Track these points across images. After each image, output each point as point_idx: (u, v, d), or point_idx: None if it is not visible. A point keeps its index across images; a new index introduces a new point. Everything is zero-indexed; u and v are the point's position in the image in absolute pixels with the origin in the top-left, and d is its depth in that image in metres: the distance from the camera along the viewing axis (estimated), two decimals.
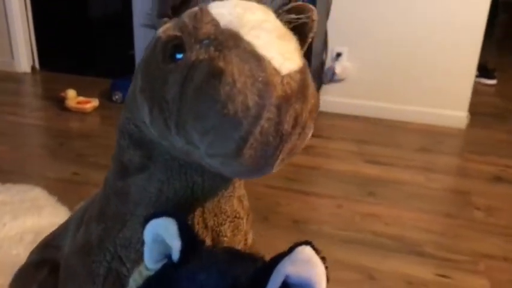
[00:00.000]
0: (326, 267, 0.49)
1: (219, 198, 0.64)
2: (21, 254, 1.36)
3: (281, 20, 0.56)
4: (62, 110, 2.58)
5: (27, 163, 2.02)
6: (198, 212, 0.64)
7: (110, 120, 2.54)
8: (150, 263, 0.52)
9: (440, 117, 2.55)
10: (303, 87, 0.49)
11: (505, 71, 3.52)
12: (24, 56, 3.27)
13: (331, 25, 2.53)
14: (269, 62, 0.48)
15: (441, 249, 1.54)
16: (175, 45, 0.53)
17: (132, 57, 3.11)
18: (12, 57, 3.26)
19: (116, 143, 0.66)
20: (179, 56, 0.53)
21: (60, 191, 1.74)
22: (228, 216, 0.67)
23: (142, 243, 0.56)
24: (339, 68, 2.57)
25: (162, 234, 0.50)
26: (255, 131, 0.46)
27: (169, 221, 0.50)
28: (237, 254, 0.53)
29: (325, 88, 2.67)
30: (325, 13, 2.48)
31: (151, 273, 0.51)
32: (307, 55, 2.21)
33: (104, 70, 3.22)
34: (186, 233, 0.50)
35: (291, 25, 0.56)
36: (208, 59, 0.50)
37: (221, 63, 0.48)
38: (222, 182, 0.63)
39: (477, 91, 2.59)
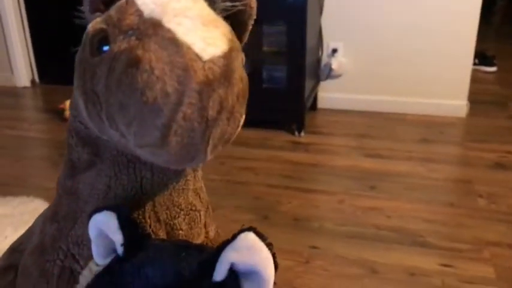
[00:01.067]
0: (273, 254, 0.48)
1: (171, 191, 0.64)
2: None
3: (215, 9, 0.56)
4: (62, 122, 2.59)
5: (28, 175, 2.03)
6: (148, 207, 0.63)
7: None
8: (99, 258, 0.52)
9: (440, 107, 2.54)
10: (226, 72, 0.49)
11: (505, 58, 3.50)
12: (23, 70, 3.29)
13: (325, 21, 2.53)
14: (188, 48, 0.48)
15: (444, 239, 1.53)
16: (101, 38, 0.54)
17: None
18: (12, 72, 3.28)
19: (66, 142, 0.66)
20: (105, 48, 0.53)
21: None
22: (181, 210, 0.66)
23: None
24: (335, 64, 2.56)
25: (104, 229, 0.50)
26: (176, 117, 0.46)
27: (109, 215, 0.50)
28: (184, 246, 0.53)
29: (323, 85, 2.66)
30: (319, 9, 2.47)
31: (100, 269, 0.51)
32: (302, 52, 2.21)
33: None
34: (128, 227, 0.50)
35: (228, 13, 0.56)
36: (128, 49, 0.50)
37: (139, 52, 0.48)
38: (172, 175, 0.63)
39: (477, 79, 2.57)
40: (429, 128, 2.42)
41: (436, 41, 2.46)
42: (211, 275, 0.47)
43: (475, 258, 1.43)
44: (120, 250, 0.49)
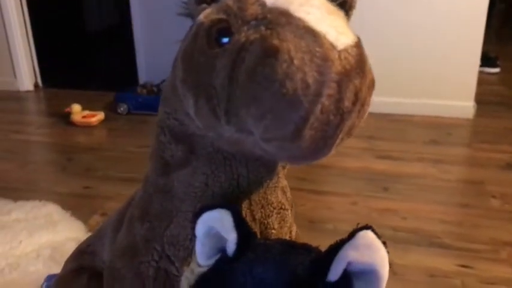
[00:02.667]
0: (388, 252, 0.48)
1: (265, 189, 0.63)
2: (39, 270, 1.36)
3: None
4: (68, 125, 2.58)
5: (37, 180, 2.02)
6: (245, 205, 0.62)
7: (116, 132, 2.53)
8: (203, 259, 0.50)
9: (447, 108, 2.54)
10: (360, 62, 0.47)
11: (507, 59, 3.51)
12: (26, 75, 3.27)
13: None
14: (325, 37, 0.46)
15: (461, 239, 1.52)
16: (220, 28, 0.51)
17: (134, 69, 3.11)
18: (15, 77, 3.26)
19: (155, 140, 0.64)
20: (225, 39, 0.51)
21: (73, 205, 1.73)
22: (274, 208, 0.65)
23: (191, 240, 0.54)
24: None
25: (216, 227, 0.48)
26: (315, 109, 0.44)
27: (224, 213, 0.49)
28: (291, 245, 0.52)
29: None
30: None
31: (204, 270, 0.50)
32: None
33: (107, 83, 3.22)
34: (241, 225, 0.48)
35: (332, 3, 0.55)
36: (261, 39, 0.47)
37: (275, 41, 0.46)
38: (266, 172, 0.61)
39: (481, 80, 2.58)
40: (437, 129, 2.42)
41: (442, 42, 2.47)
42: (325, 274, 0.46)
43: (493, 259, 1.43)
44: (231, 249, 0.48)
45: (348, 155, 2.16)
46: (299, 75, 0.44)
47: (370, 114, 2.17)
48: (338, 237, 1.26)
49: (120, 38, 3.36)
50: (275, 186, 0.64)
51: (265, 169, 0.61)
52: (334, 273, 0.46)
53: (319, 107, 0.44)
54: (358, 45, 0.48)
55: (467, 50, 2.46)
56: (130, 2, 2.98)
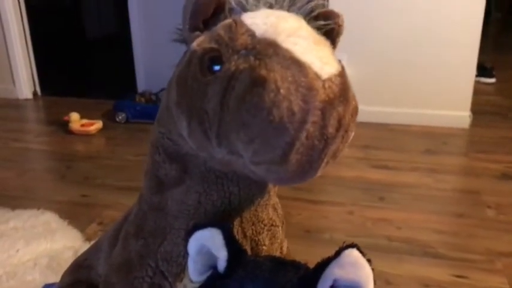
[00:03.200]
0: (372, 269, 0.49)
1: (256, 207, 0.64)
2: (36, 279, 1.37)
3: (311, 27, 0.57)
4: (67, 134, 2.59)
5: (35, 188, 2.03)
6: (236, 222, 0.64)
7: (115, 141, 2.54)
8: (195, 275, 0.52)
9: (443, 118, 2.56)
10: (344, 90, 0.50)
11: (503, 69, 3.54)
12: (25, 82, 3.29)
13: None
14: (310, 67, 0.49)
15: (456, 249, 1.53)
16: (212, 57, 0.54)
17: (133, 77, 3.13)
18: (14, 84, 3.28)
19: (150, 159, 0.66)
20: (217, 67, 0.53)
21: (71, 213, 1.74)
22: (265, 225, 0.67)
23: (184, 256, 0.56)
24: None
25: (207, 245, 0.50)
26: (301, 135, 0.46)
27: (214, 231, 0.50)
28: (280, 262, 0.53)
29: None
30: None
31: (196, 285, 0.51)
32: None
33: (105, 91, 3.24)
34: (232, 243, 0.50)
35: (320, 31, 0.57)
36: (249, 68, 0.50)
37: (263, 71, 0.49)
38: (257, 190, 0.63)
39: (477, 90, 2.60)
40: (433, 139, 2.44)
41: (439, 53, 2.49)
42: None
43: (488, 269, 1.44)
44: (222, 266, 0.49)
45: (343, 164, 2.17)
46: (285, 103, 0.47)
47: (366, 123, 2.20)
48: (334, 247, 1.27)
49: (119, 47, 3.37)
50: (266, 204, 0.66)
51: (257, 187, 0.63)
52: None
53: (304, 133, 0.47)
54: (342, 74, 0.51)
55: (463, 60, 2.48)
56: (129, 11, 3.01)
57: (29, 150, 2.46)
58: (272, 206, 0.69)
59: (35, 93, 3.34)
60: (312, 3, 0.59)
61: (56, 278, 1.22)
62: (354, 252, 0.49)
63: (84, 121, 2.65)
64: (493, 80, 3.31)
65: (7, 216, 1.68)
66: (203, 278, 0.51)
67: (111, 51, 3.67)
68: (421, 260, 1.49)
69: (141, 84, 3.11)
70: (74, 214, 1.74)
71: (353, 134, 0.53)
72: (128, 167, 2.19)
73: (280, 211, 0.72)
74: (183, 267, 0.57)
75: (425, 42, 2.49)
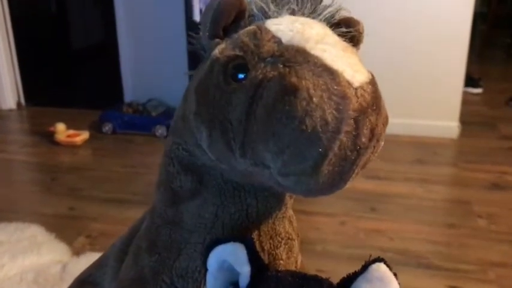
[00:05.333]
0: (399, 283, 0.48)
1: (273, 220, 0.62)
2: None
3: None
4: (52, 145, 2.54)
5: (21, 200, 1.98)
6: (254, 236, 0.62)
7: (101, 152, 2.50)
8: None
9: (432, 128, 2.57)
10: (375, 99, 0.49)
11: (489, 80, 3.57)
12: (9, 93, 3.23)
13: None
14: (342, 75, 0.47)
15: (449, 260, 1.53)
16: (237, 65, 0.52)
17: (120, 87, 3.10)
18: None
19: (163, 170, 0.64)
20: (241, 75, 0.51)
21: (58, 226, 1.70)
22: (282, 238, 0.64)
23: (200, 271, 0.53)
24: None
25: (230, 261, 0.48)
26: (334, 146, 0.44)
27: (238, 246, 0.48)
28: (302, 277, 0.51)
29: None
30: None
31: None
32: None
33: (92, 102, 3.20)
34: (256, 258, 0.47)
35: (342, 39, 0.56)
36: (279, 76, 0.48)
37: (294, 79, 0.47)
38: (275, 203, 0.61)
39: (465, 101, 2.61)
40: (422, 149, 2.44)
41: (428, 64, 2.50)
42: None
43: (481, 279, 1.44)
44: (245, 283, 0.47)
45: None
46: (318, 112, 0.45)
47: None
48: (327, 259, 1.25)
49: (106, 57, 3.34)
50: (283, 217, 0.64)
51: (275, 199, 0.61)
52: None
53: (337, 143, 0.45)
54: (372, 82, 0.50)
55: (452, 71, 2.50)
56: (117, 21, 2.98)
57: (13, 161, 2.41)
58: (288, 218, 0.67)
59: (19, 104, 3.29)
60: (332, 8, 0.58)
61: None
62: (382, 266, 0.47)
63: (70, 132, 2.60)
64: (479, 90, 3.34)
65: None
66: None
67: (97, 61, 3.64)
68: (415, 271, 1.48)
69: (128, 95, 3.07)
70: (61, 227, 1.70)
71: (383, 143, 0.52)
72: (115, 178, 2.16)
73: (295, 224, 0.70)
74: (200, 284, 0.54)
75: (414, 53, 2.50)
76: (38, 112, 3.18)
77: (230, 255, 0.48)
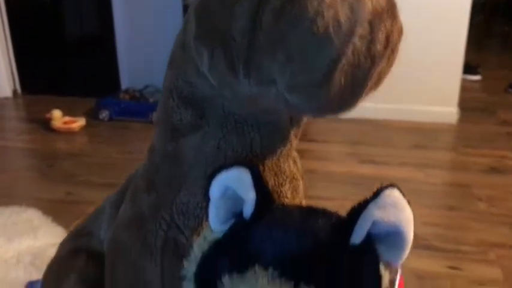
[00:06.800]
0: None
1: (278, 156, 0.60)
2: (20, 276, 1.32)
3: None
4: (48, 132, 2.52)
5: (17, 186, 1.96)
6: None
7: (98, 138, 2.49)
8: (217, 224, 0.47)
9: (431, 114, 2.55)
10: (391, 5, 0.46)
11: (487, 68, 3.56)
12: (5, 81, 3.20)
13: None
14: None
15: (449, 241, 1.52)
16: None
17: (116, 74, 3.07)
18: None
19: (162, 105, 0.61)
20: None
21: (55, 211, 1.68)
22: (287, 177, 0.62)
23: (201, 207, 0.52)
24: None
25: (233, 187, 0.45)
26: (347, 50, 0.42)
27: (242, 171, 0.45)
28: (310, 210, 0.49)
29: None
30: None
31: (217, 236, 0.46)
32: None
33: (88, 89, 3.17)
34: (260, 185, 0.45)
35: None
36: None
37: None
38: (279, 139, 0.59)
39: (464, 88, 2.60)
40: (422, 134, 2.43)
41: (427, 49, 2.48)
42: (347, 238, 0.43)
43: (481, 260, 1.43)
44: (249, 211, 0.44)
45: (334, 160, 2.15)
46: (330, 12, 0.42)
47: (355, 119, 2.17)
48: None
49: (102, 43, 3.31)
50: (287, 155, 0.62)
51: (278, 135, 0.59)
52: (358, 235, 0.43)
53: (350, 47, 0.42)
54: None
55: (450, 57, 2.49)
56: (113, 6, 2.95)
57: (9, 148, 2.39)
58: (293, 159, 0.65)
59: (15, 92, 3.26)
60: None
61: (39, 276, 1.17)
62: (395, 192, 0.44)
63: (67, 118, 2.58)
64: (478, 77, 3.33)
65: None
66: (225, 227, 0.47)
67: (93, 48, 3.60)
68: (415, 252, 1.44)
69: (125, 81, 3.05)
70: (58, 211, 1.68)
71: (397, 56, 0.49)
72: (112, 164, 2.14)
73: (299, 166, 0.68)
74: (201, 220, 0.52)
75: (413, 38, 2.46)
76: (34, 100, 3.15)
77: (234, 181, 0.45)
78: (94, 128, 2.60)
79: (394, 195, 0.44)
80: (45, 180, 2.00)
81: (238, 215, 0.46)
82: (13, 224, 1.56)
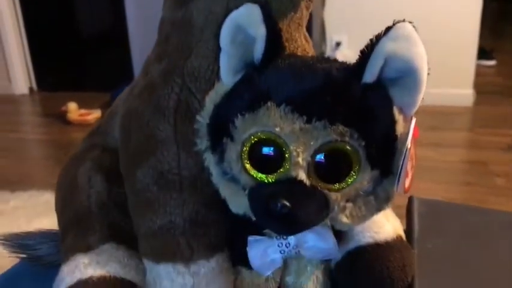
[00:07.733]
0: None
1: (289, 22, 0.59)
2: None
3: None
4: (64, 124, 2.55)
5: (34, 173, 1.99)
6: None
7: None
8: (228, 75, 0.46)
9: (447, 96, 2.53)
10: None
11: (502, 53, 3.52)
12: (21, 78, 3.25)
13: (328, 14, 2.53)
14: None
15: None
16: None
17: (130, 69, 3.10)
18: (9, 80, 3.24)
19: None
20: None
21: None
22: (298, 46, 0.61)
23: (213, 71, 0.51)
24: (340, 57, 2.54)
25: (243, 24, 0.44)
26: None
27: (252, 6, 0.45)
28: (323, 58, 0.48)
29: None
30: (321, 2, 2.47)
31: (229, 88, 0.46)
32: None
33: (102, 84, 3.20)
34: (270, 20, 0.44)
35: None
36: None
37: None
38: (289, 3, 0.57)
39: (479, 72, 2.57)
40: (438, 116, 2.40)
41: (441, 31, 2.46)
42: (361, 73, 0.42)
43: None
44: (260, 52, 0.44)
45: None
46: None
47: None
48: None
49: (115, 39, 3.34)
50: (298, 24, 0.60)
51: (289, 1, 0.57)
52: (371, 72, 0.42)
53: None
54: None
55: (465, 39, 2.47)
56: (126, 3, 2.98)
57: (26, 140, 2.43)
58: (304, 36, 0.64)
59: (31, 89, 3.31)
60: None
61: None
62: (408, 25, 0.43)
63: (82, 111, 2.61)
64: (493, 62, 3.29)
65: (7, 197, 1.65)
66: (237, 78, 0.46)
67: (107, 44, 3.64)
68: None
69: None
70: None
71: None
72: None
73: (311, 44, 0.67)
74: (212, 83, 0.52)
75: (428, 21, 2.45)
76: (49, 96, 3.19)
77: (244, 17, 0.44)
78: None
79: (407, 28, 0.42)
80: (61, 167, 2.02)
81: (249, 64, 0.46)
82: (33, 206, 1.58)
